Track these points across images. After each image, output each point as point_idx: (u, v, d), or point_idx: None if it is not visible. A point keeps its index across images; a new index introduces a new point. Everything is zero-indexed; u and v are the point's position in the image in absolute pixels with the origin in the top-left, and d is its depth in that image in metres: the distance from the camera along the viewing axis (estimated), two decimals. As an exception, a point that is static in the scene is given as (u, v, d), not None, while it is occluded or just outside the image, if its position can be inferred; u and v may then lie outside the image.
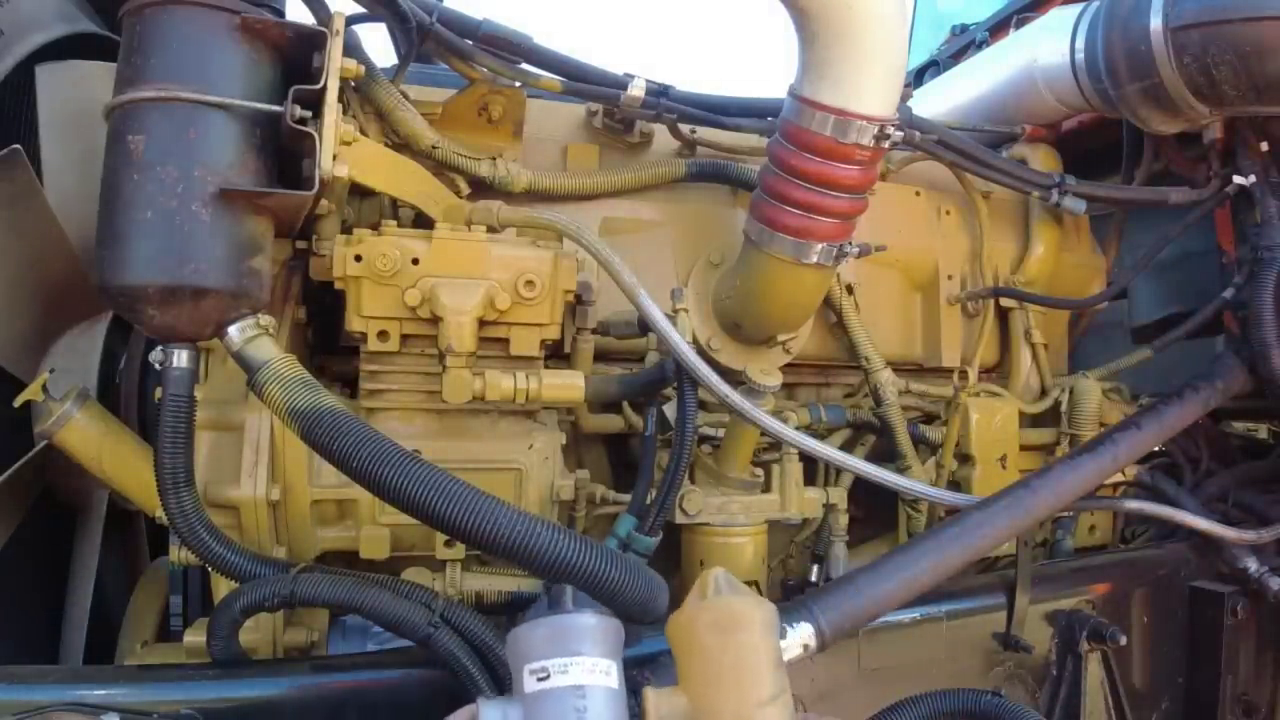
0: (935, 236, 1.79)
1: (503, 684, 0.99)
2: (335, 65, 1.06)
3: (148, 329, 1.02)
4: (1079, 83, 1.65)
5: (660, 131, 1.61)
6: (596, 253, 1.18)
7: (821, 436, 1.57)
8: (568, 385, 1.24)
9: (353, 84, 1.26)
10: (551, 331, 1.26)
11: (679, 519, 1.37)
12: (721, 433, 1.46)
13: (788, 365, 1.59)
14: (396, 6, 1.25)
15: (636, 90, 1.45)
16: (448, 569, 1.23)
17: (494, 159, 1.41)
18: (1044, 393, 1.83)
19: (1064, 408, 1.77)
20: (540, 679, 0.54)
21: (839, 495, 1.55)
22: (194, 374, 1.03)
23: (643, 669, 1.01)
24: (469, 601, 1.23)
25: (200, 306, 0.98)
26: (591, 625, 0.57)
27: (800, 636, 0.95)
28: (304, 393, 0.98)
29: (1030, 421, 1.79)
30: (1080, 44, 1.62)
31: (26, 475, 1.29)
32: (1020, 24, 1.97)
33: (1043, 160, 1.80)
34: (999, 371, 1.90)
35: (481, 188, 1.42)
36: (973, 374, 1.77)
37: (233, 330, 1.02)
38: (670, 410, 1.30)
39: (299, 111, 1.02)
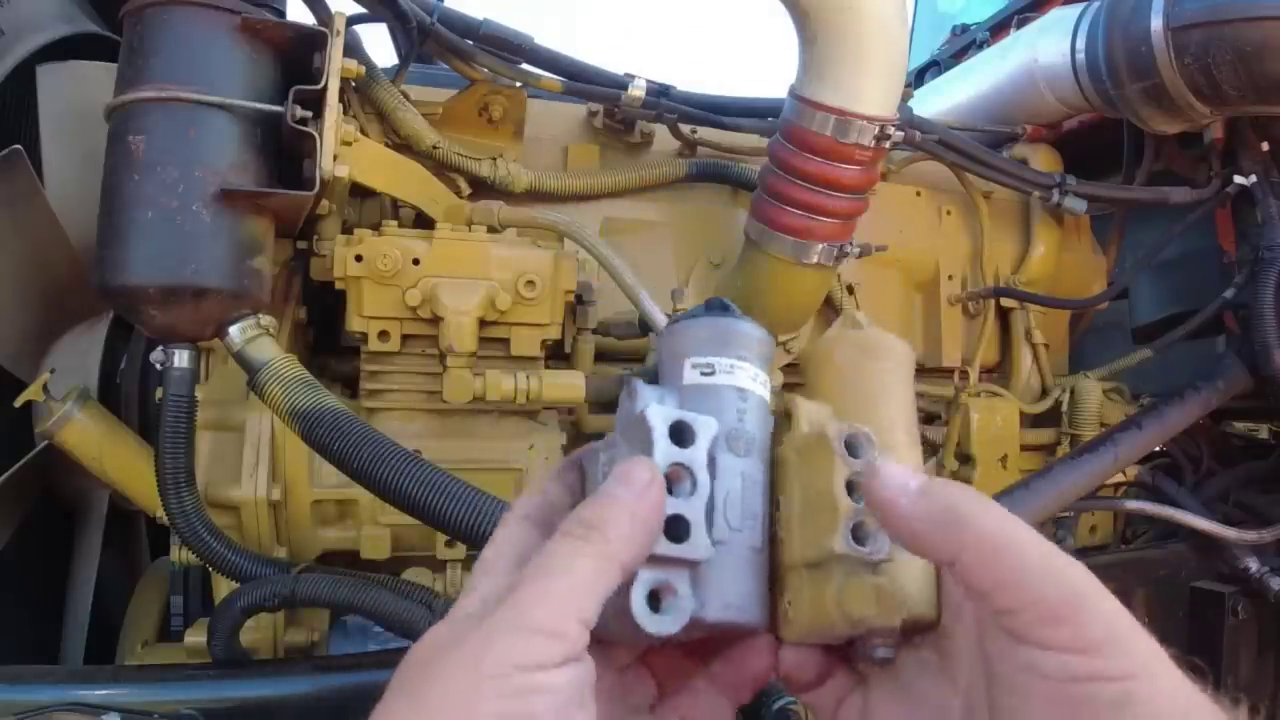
0: (936, 236, 1.79)
1: None
2: (336, 65, 1.06)
3: (148, 329, 1.02)
4: (1079, 83, 1.64)
5: (661, 131, 1.61)
6: (597, 253, 1.18)
7: (822, 436, 1.56)
8: (568, 385, 1.24)
9: (353, 84, 1.26)
10: (552, 332, 1.26)
11: (680, 519, 1.37)
12: (722, 433, 1.45)
13: (788, 365, 1.59)
14: (397, 6, 1.25)
15: (637, 90, 1.45)
16: (448, 569, 1.23)
17: (495, 159, 1.41)
18: (1045, 393, 1.83)
19: (1065, 408, 1.77)
20: (705, 373, 0.51)
21: (840, 495, 1.54)
22: (195, 374, 1.03)
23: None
24: (469, 602, 1.23)
25: (201, 307, 0.98)
26: (758, 336, 0.53)
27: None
28: (305, 393, 0.98)
29: (1031, 421, 1.79)
30: (1081, 44, 1.62)
31: (27, 475, 1.29)
32: (1020, 24, 1.97)
33: (1043, 160, 1.80)
34: (999, 371, 1.89)
35: (482, 188, 1.41)
36: (973, 374, 1.76)
37: (233, 330, 1.02)
38: (670, 410, 1.29)
39: (300, 112, 1.02)
